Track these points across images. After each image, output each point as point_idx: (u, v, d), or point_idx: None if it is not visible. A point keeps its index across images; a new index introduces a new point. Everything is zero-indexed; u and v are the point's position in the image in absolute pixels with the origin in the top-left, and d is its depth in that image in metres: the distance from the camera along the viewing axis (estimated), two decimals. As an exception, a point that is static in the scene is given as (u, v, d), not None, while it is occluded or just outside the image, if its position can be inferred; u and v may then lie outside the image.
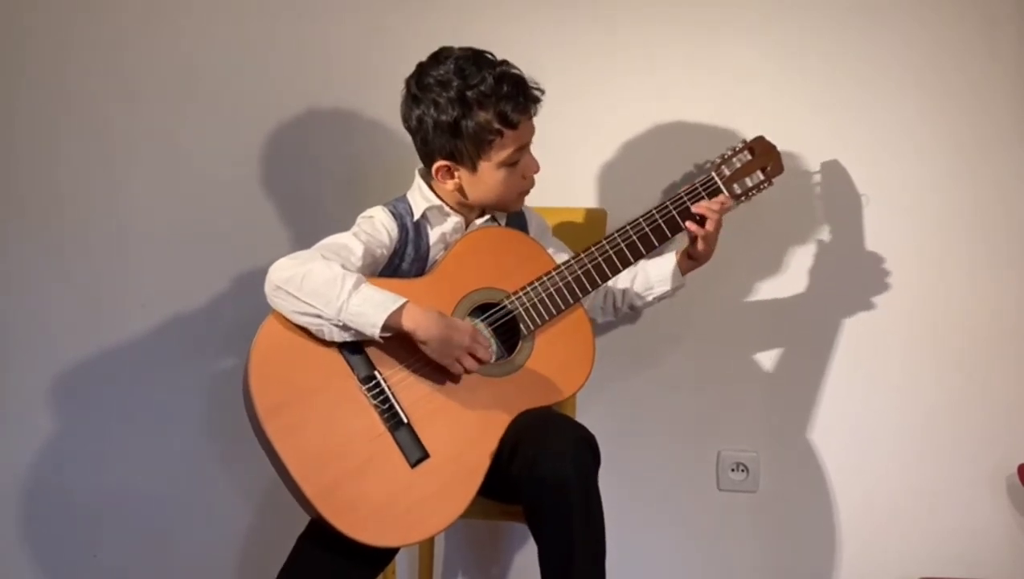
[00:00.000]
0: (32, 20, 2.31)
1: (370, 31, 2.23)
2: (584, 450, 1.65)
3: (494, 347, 1.82)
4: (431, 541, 2.21)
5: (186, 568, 2.38)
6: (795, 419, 2.21)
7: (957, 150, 2.12)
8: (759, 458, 2.22)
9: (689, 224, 1.87)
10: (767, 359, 2.21)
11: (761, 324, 2.20)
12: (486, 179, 1.79)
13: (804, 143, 2.13)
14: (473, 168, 1.78)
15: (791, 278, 2.18)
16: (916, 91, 2.12)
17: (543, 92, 1.80)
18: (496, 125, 1.74)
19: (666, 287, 1.96)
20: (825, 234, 2.17)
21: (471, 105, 1.72)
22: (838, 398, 2.19)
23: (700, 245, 1.89)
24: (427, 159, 1.82)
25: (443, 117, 1.73)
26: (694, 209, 1.87)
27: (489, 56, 1.78)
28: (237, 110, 2.28)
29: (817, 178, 2.15)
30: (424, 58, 1.81)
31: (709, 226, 1.86)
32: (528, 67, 1.80)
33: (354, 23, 2.24)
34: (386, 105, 2.16)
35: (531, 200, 1.98)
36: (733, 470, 2.22)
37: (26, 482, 2.40)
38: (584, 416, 2.09)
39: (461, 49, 1.78)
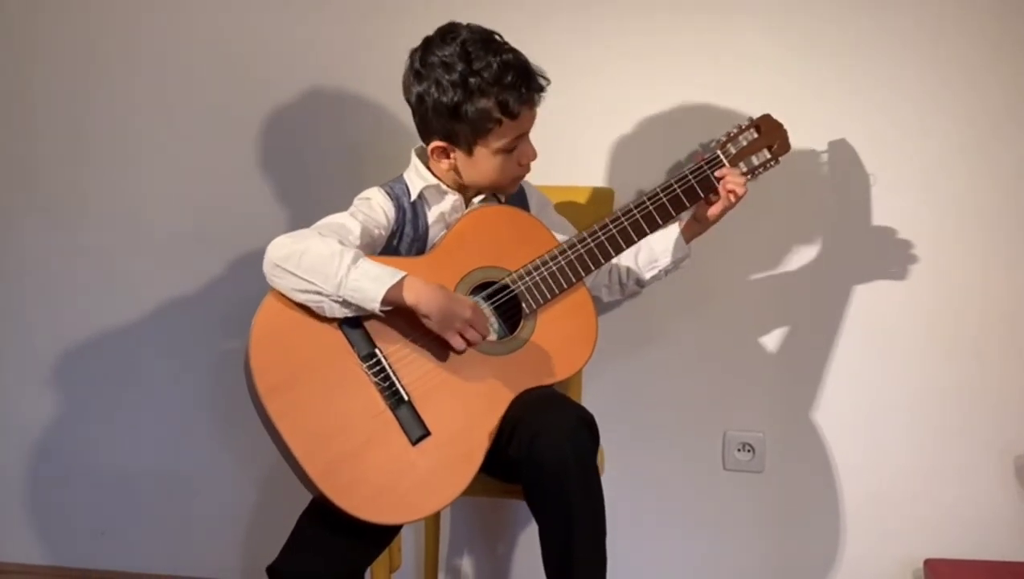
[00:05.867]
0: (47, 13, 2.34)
1: (367, 14, 2.22)
2: (582, 430, 1.65)
3: (496, 325, 1.82)
4: (436, 518, 2.22)
5: (191, 546, 2.41)
6: (802, 400, 2.20)
7: (968, 129, 2.09)
8: (765, 438, 2.21)
9: (723, 189, 1.85)
10: (774, 339, 2.20)
11: (768, 304, 2.19)
12: (481, 163, 1.78)
13: (812, 122, 2.10)
14: (469, 152, 1.77)
15: (799, 257, 2.17)
16: (925, 68, 2.10)
17: (548, 81, 1.78)
18: (496, 114, 1.72)
19: (669, 258, 1.94)
20: (834, 214, 2.15)
21: (473, 91, 1.70)
22: (845, 379, 2.18)
23: (715, 210, 1.86)
24: (424, 137, 1.81)
25: (444, 99, 1.72)
26: (718, 173, 1.85)
27: (497, 39, 1.76)
28: (235, 96, 2.28)
29: (825, 157, 2.13)
30: (426, 34, 1.79)
31: (732, 198, 1.84)
32: (534, 46, 1.79)
33: (351, 6, 2.23)
34: (383, 88, 2.18)
35: (539, 178, 1.98)
36: (739, 450, 2.22)
37: (32, 461, 2.44)
38: (589, 395, 2.10)
39: (470, 29, 1.75)
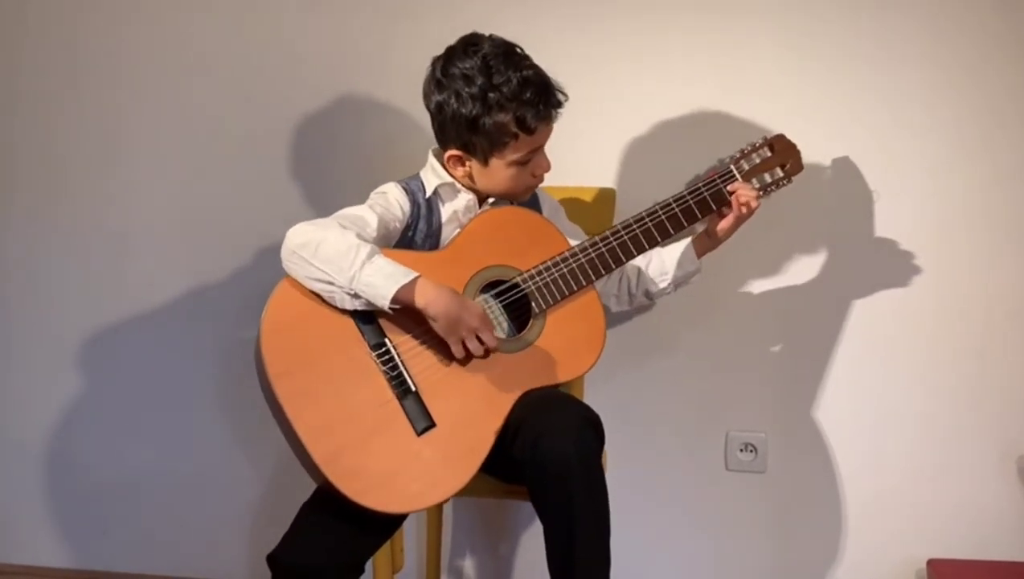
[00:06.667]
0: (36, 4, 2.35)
1: (386, 16, 2.24)
2: (587, 430, 1.65)
3: (504, 325, 1.82)
4: (439, 518, 2.22)
5: (196, 547, 2.40)
6: (804, 400, 2.20)
7: (973, 129, 2.10)
8: (767, 439, 2.21)
9: (737, 199, 1.87)
10: (776, 340, 2.20)
11: (771, 305, 2.19)
12: (495, 173, 1.81)
13: (818, 125, 2.12)
14: (485, 162, 1.79)
15: (802, 258, 2.18)
16: (928, 68, 2.11)
17: (567, 97, 1.80)
18: (513, 128, 1.74)
19: (679, 269, 1.96)
20: (838, 217, 2.16)
21: (491, 105, 1.73)
22: (847, 379, 2.18)
23: (725, 224, 1.89)
24: (441, 144, 1.84)
25: (462, 110, 1.74)
26: (730, 188, 1.88)
27: (519, 52, 1.78)
28: (256, 90, 2.30)
29: (831, 161, 2.14)
30: (439, 44, 1.80)
31: (744, 210, 1.87)
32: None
33: (371, 8, 2.24)
34: (402, 89, 2.19)
35: (541, 179, 1.99)
36: (742, 450, 2.22)
37: (37, 461, 2.43)
38: (592, 396, 2.11)
39: (492, 42, 1.77)
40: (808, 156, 2.06)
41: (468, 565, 2.35)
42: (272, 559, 1.69)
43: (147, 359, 2.38)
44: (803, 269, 2.18)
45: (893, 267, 2.15)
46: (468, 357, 1.73)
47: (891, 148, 2.12)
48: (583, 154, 2.17)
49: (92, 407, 2.41)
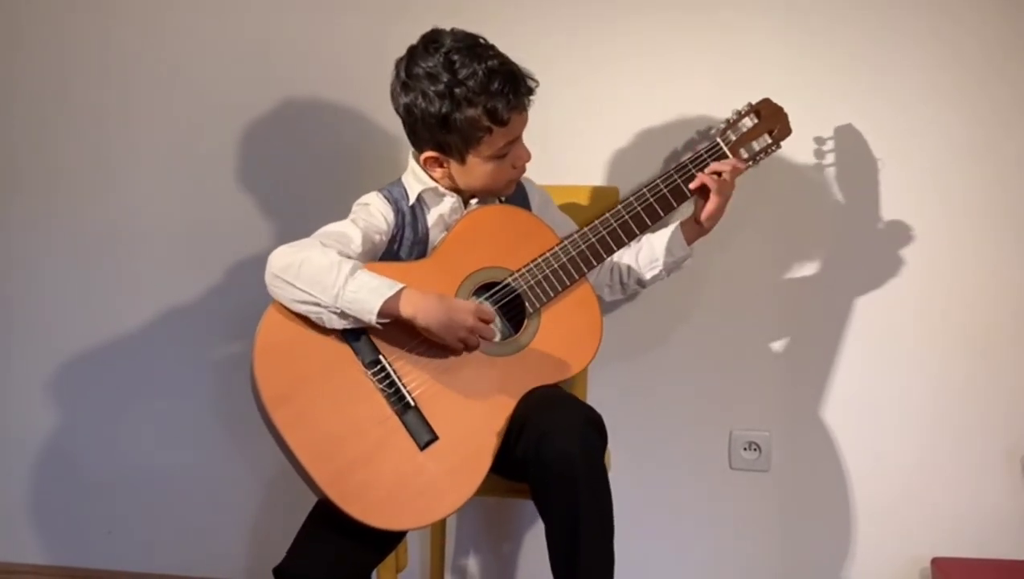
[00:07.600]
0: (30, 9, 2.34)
1: (385, 18, 2.21)
2: (590, 430, 1.64)
3: (499, 325, 1.81)
4: (443, 519, 2.22)
5: (198, 546, 2.41)
6: (808, 398, 2.19)
7: (977, 123, 2.08)
8: (771, 437, 2.20)
9: (704, 179, 1.82)
10: (780, 337, 2.19)
11: (774, 302, 2.18)
12: (474, 170, 1.77)
13: (820, 124, 2.10)
14: (462, 160, 1.76)
15: (804, 255, 2.16)
16: (933, 71, 2.08)
17: (537, 83, 1.75)
18: (486, 122, 1.70)
19: (669, 257, 1.93)
20: (840, 211, 2.14)
21: (459, 101, 1.68)
22: (851, 377, 2.17)
23: (709, 208, 1.84)
24: (416, 147, 1.81)
25: (431, 109, 1.70)
26: (708, 171, 1.84)
27: (482, 43, 1.73)
28: (236, 103, 2.29)
29: (830, 154, 2.12)
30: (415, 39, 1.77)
31: (722, 186, 1.83)
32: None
33: (370, 9, 2.22)
34: (381, 94, 2.16)
35: (543, 178, 1.97)
36: (745, 449, 2.21)
37: (40, 460, 2.44)
38: (594, 395, 2.10)
39: (454, 36, 1.73)
40: (810, 153, 2.05)
41: (472, 564, 2.35)
42: (279, 573, 1.69)
43: (148, 358, 2.38)
44: (806, 267, 2.16)
45: (896, 265, 2.13)
46: (466, 364, 1.71)
47: (894, 146, 2.10)
48: (584, 153, 2.16)
49: (93, 407, 2.41)
